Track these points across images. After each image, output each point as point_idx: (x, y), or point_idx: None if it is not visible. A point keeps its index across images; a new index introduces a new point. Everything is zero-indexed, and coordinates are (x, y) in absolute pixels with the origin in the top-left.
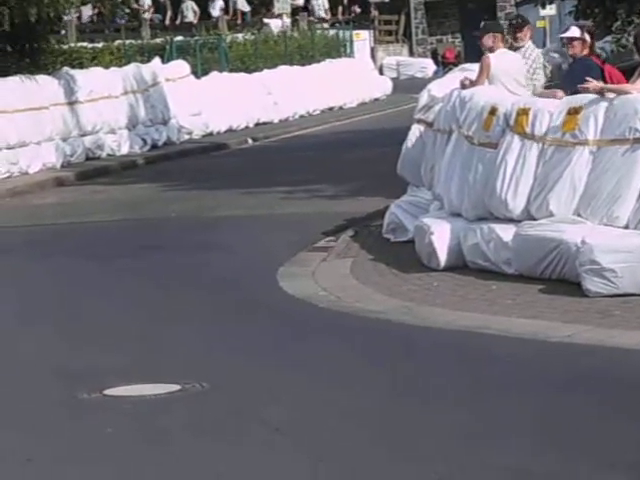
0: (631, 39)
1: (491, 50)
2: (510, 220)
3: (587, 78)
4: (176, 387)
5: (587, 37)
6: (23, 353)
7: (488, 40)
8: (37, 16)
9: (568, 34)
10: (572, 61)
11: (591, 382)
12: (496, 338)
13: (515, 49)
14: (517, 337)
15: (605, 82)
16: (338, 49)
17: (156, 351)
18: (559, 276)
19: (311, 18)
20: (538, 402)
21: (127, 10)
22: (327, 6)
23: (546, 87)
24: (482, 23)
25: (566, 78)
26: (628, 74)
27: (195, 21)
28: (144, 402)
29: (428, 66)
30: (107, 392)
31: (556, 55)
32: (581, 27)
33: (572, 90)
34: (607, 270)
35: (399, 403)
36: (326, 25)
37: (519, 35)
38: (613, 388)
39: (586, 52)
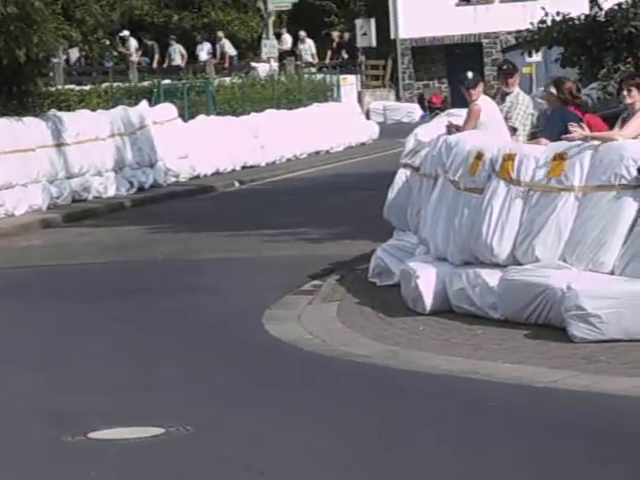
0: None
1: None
2: (496, 265)
3: (572, 126)
4: (160, 430)
5: (553, 90)
6: (7, 396)
7: (480, 88)
8: (26, 57)
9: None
10: (550, 112)
11: (577, 428)
12: (482, 383)
13: (504, 94)
14: (503, 382)
15: None
16: (325, 93)
17: (141, 394)
18: (545, 321)
19: (298, 62)
20: (525, 447)
21: (115, 53)
22: (314, 51)
23: (532, 133)
24: (470, 74)
25: (545, 128)
26: (615, 121)
27: (183, 64)
28: (128, 445)
29: (415, 111)
30: (91, 435)
31: (542, 101)
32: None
33: (550, 139)
34: (592, 316)
35: (385, 448)
36: (313, 69)
37: (510, 81)
38: (599, 434)
39: (558, 104)
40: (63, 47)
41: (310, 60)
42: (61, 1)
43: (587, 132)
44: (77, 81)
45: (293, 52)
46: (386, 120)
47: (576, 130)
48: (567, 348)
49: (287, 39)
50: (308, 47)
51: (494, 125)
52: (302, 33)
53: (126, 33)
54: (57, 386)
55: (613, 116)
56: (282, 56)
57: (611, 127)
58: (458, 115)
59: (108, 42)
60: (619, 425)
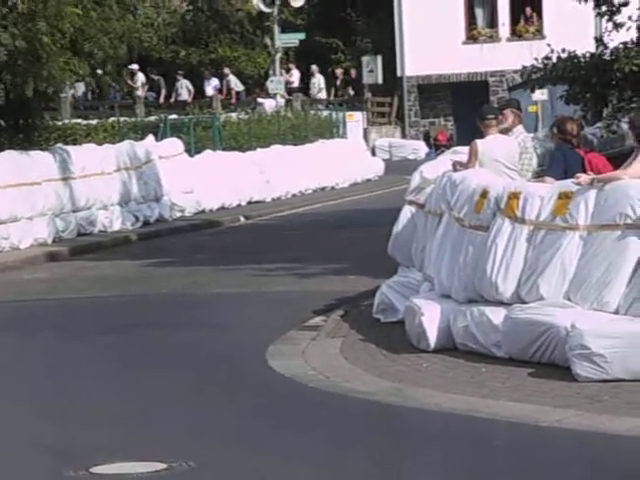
0: (622, 125)
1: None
2: (500, 303)
3: (577, 177)
4: (162, 466)
5: (554, 130)
6: (9, 431)
7: (487, 126)
8: (34, 90)
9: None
10: (553, 150)
11: (581, 468)
12: (485, 421)
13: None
14: (506, 420)
15: (584, 171)
16: (331, 130)
17: (143, 429)
18: (549, 360)
19: (304, 98)
20: None
21: (124, 89)
22: (323, 86)
23: (537, 173)
24: (486, 107)
25: (548, 167)
26: (620, 160)
27: (189, 100)
28: None
29: (420, 148)
30: (93, 470)
31: (547, 139)
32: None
33: (554, 177)
34: (597, 355)
35: None
36: (320, 106)
37: (499, 117)
38: (603, 474)
39: (562, 142)
40: (71, 81)
41: (319, 96)
42: (69, 34)
43: (592, 175)
44: (84, 115)
45: (300, 88)
46: (392, 157)
47: (581, 176)
48: (571, 387)
49: (295, 74)
50: (317, 82)
51: (493, 164)
52: (314, 67)
53: (135, 67)
54: (59, 421)
55: (618, 155)
56: (291, 91)
57: (616, 166)
58: (463, 153)
59: (116, 75)
60: (623, 465)
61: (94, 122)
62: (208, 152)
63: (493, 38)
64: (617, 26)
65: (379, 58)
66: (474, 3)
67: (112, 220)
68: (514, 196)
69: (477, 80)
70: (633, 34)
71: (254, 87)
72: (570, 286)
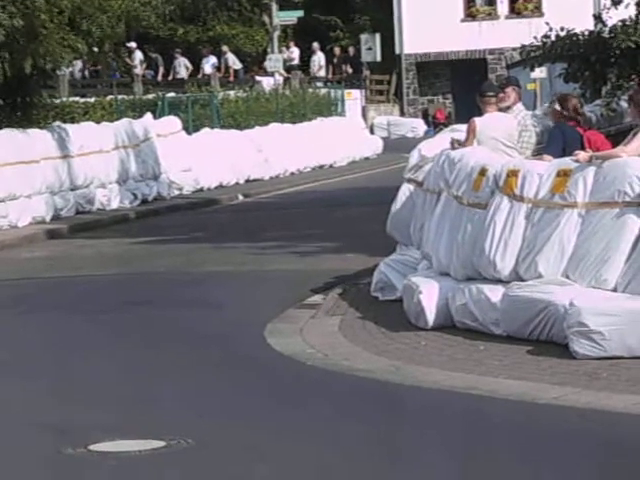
0: (622, 103)
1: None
2: (498, 281)
3: (576, 154)
4: (161, 443)
5: (557, 106)
6: (7, 407)
7: (486, 103)
8: (32, 68)
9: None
10: (552, 128)
11: (578, 445)
12: (483, 399)
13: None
14: (504, 398)
15: (583, 148)
16: (329, 108)
17: (142, 407)
18: (547, 337)
19: (302, 76)
20: (526, 464)
21: (122, 67)
22: (323, 63)
23: (536, 151)
24: (486, 84)
25: (547, 144)
26: (619, 138)
27: (187, 77)
28: (129, 458)
29: (419, 126)
30: (92, 447)
31: (545, 117)
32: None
33: (553, 155)
34: (595, 332)
35: (386, 464)
36: (319, 84)
37: (500, 95)
38: (599, 451)
39: (562, 120)
40: (69, 59)
41: (319, 74)
42: (67, 12)
43: (590, 153)
44: (81, 93)
45: (300, 66)
46: (390, 135)
47: (579, 154)
48: (569, 365)
49: (295, 52)
50: (318, 59)
51: (492, 143)
52: (315, 44)
53: (133, 44)
54: (59, 398)
55: (616, 133)
56: (290, 68)
57: (614, 144)
58: (461, 130)
59: (114, 53)
60: (621, 442)
61: (92, 100)
62: (206, 130)
63: (492, 16)
64: (616, 3)
65: (377, 36)
66: None
67: (110, 198)
68: (513, 174)
69: (476, 58)
70: (632, 11)
71: (252, 65)
72: (568, 264)
